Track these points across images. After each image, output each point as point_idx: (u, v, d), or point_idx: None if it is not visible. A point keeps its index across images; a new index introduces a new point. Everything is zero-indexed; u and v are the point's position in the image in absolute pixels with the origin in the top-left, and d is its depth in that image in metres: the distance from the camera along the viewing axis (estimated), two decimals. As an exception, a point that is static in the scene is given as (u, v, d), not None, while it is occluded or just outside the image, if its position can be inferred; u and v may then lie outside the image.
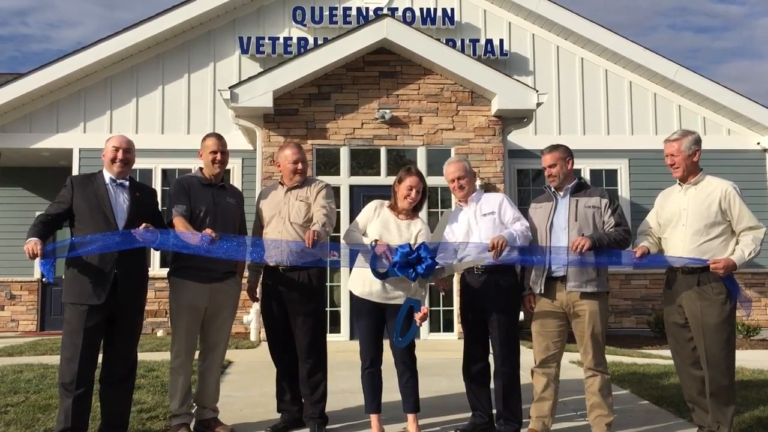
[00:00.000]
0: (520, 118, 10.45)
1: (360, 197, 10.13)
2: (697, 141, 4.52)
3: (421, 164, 10.20)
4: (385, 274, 4.49)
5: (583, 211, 4.58)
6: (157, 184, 11.95)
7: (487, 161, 10.24)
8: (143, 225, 4.29)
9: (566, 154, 4.71)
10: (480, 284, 4.67)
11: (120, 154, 4.46)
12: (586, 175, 12.61)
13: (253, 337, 10.00)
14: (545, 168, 4.73)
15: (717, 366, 4.32)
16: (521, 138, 12.06)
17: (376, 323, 4.68)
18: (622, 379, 6.56)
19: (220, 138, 4.86)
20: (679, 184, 4.59)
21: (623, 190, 12.57)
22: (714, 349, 4.32)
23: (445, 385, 5.95)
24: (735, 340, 4.43)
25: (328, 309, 9.09)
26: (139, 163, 11.94)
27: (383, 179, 10.13)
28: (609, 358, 4.73)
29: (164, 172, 12.04)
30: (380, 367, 4.70)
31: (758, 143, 12.72)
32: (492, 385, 4.75)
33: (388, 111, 10.15)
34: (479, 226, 4.70)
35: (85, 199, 4.33)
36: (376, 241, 4.56)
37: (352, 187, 10.16)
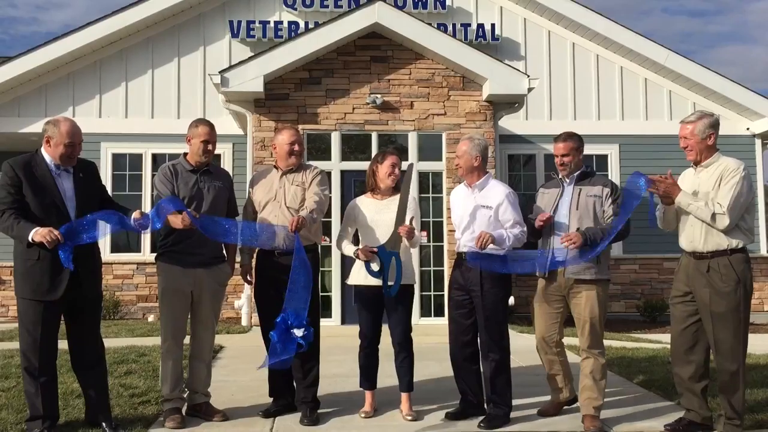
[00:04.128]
0: (511, 104, 10.44)
1: (351, 182, 10.13)
2: (713, 125, 4.35)
3: (413, 149, 10.21)
4: (380, 271, 4.64)
5: (584, 201, 4.63)
6: (147, 168, 11.91)
7: (478, 146, 10.22)
8: (137, 212, 4.28)
9: (580, 144, 4.77)
10: (469, 269, 4.69)
11: (74, 150, 4.27)
12: (577, 161, 12.61)
13: (244, 322, 10.01)
14: (557, 156, 4.75)
15: (725, 354, 4.26)
16: (512, 123, 12.05)
17: (375, 306, 4.80)
18: (611, 362, 6.57)
19: (212, 127, 4.82)
20: (693, 166, 4.49)
21: (614, 175, 12.59)
22: (721, 336, 4.25)
23: (436, 369, 5.99)
24: (746, 328, 4.31)
25: (319, 294, 9.13)
26: (129, 148, 12.10)
27: (374, 164, 10.11)
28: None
29: (154, 156, 11.97)
30: (378, 347, 4.86)
31: (748, 129, 12.77)
32: (481, 369, 4.78)
33: (379, 96, 10.12)
34: (475, 215, 4.72)
35: (31, 186, 4.16)
36: (358, 249, 4.74)
37: (343, 173, 10.14)
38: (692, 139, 4.36)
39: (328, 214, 9.63)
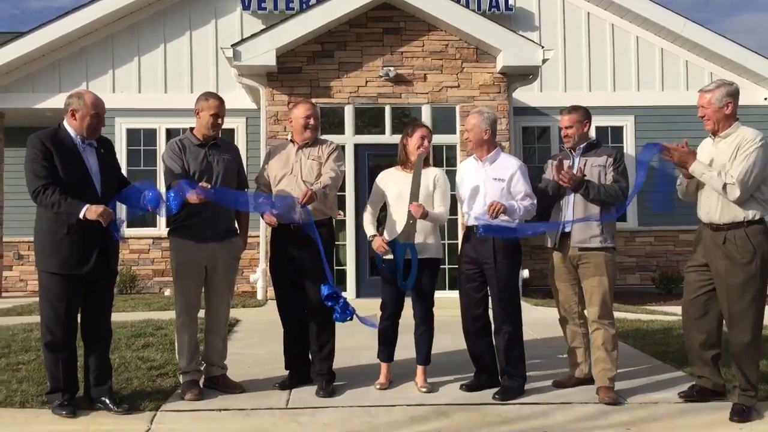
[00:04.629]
0: (525, 75, 10.35)
1: (365, 156, 10.12)
2: (732, 93, 4.29)
3: (426, 122, 10.13)
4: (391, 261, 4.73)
5: (590, 171, 4.69)
6: (161, 143, 11.91)
7: (492, 118, 10.16)
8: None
9: (584, 116, 4.78)
10: (480, 242, 4.70)
11: (99, 121, 4.34)
12: (592, 132, 12.50)
13: (260, 296, 10.09)
14: (562, 128, 4.81)
15: (738, 326, 4.25)
16: (527, 95, 11.95)
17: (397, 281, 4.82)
18: (626, 335, 6.62)
19: (222, 101, 4.81)
20: (711, 137, 4.43)
21: (629, 147, 12.49)
22: (736, 308, 4.23)
23: (449, 342, 5.98)
24: (763, 299, 4.28)
25: (334, 268, 9.17)
26: (144, 123, 12.11)
27: (388, 138, 10.08)
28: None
29: (168, 131, 11.98)
30: (398, 320, 4.90)
31: (765, 98, 12.59)
32: (494, 343, 4.80)
33: (392, 69, 10.05)
34: (486, 187, 4.71)
35: (60, 159, 4.19)
36: (374, 236, 4.79)
37: (356, 146, 10.12)
38: (709, 108, 4.30)
39: (342, 188, 9.64)
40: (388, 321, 4.85)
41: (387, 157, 9.48)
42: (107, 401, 4.32)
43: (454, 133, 10.21)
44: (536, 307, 8.82)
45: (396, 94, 10.17)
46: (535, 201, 4.71)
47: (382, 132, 10.23)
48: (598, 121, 12.50)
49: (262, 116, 10.31)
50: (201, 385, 4.73)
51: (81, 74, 12.05)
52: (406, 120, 10.03)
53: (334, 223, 5.15)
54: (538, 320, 6.83)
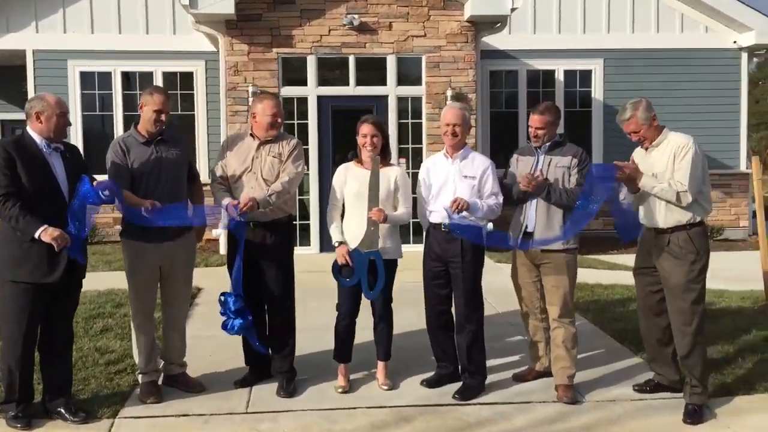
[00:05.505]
0: (493, 23, 10.08)
1: (328, 108, 9.89)
2: (648, 106, 4.40)
3: (391, 73, 9.91)
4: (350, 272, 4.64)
5: (553, 171, 4.63)
6: (117, 87, 11.51)
7: (459, 70, 9.94)
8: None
9: (556, 117, 4.70)
10: (447, 241, 4.64)
11: (66, 120, 4.20)
12: (560, 77, 12.37)
13: (222, 251, 9.96)
14: (532, 127, 4.69)
15: (684, 325, 4.35)
16: (494, 38, 11.59)
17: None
18: (586, 308, 6.70)
19: (167, 97, 4.58)
20: (642, 146, 4.51)
21: (597, 91, 12.38)
22: (682, 307, 4.34)
23: (412, 319, 5.92)
24: (703, 300, 4.43)
25: (297, 222, 9.07)
26: (98, 66, 11.61)
27: (352, 89, 9.85)
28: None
29: (125, 75, 11.56)
30: (355, 320, 4.82)
31: (735, 42, 12.46)
32: (456, 340, 4.80)
33: (356, 16, 9.69)
34: (456, 185, 4.62)
35: (24, 166, 4.00)
36: (340, 243, 4.66)
37: (319, 98, 9.87)
38: (642, 129, 4.39)
39: (306, 140, 9.43)
40: (345, 321, 4.76)
41: (351, 111, 9.30)
42: (63, 411, 4.25)
43: (420, 84, 9.97)
44: (498, 264, 8.84)
45: (360, 43, 9.84)
46: (501, 200, 4.64)
47: (346, 83, 9.96)
48: (567, 64, 12.40)
49: (221, 67, 9.94)
50: (160, 384, 4.68)
51: (30, 13, 11.45)
52: (371, 70, 9.76)
53: (296, 220, 5.01)
54: (500, 286, 6.78)
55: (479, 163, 4.68)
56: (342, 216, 4.79)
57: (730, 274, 8.32)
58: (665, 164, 4.33)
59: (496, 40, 11.75)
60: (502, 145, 12.27)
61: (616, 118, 4.56)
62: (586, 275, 8.03)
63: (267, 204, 4.53)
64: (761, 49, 12.67)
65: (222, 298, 4.60)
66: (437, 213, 4.68)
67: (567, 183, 4.59)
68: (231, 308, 4.54)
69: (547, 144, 4.68)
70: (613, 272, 8.75)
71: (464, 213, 4.48)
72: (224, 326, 4.59)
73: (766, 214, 7.07)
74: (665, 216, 4.36)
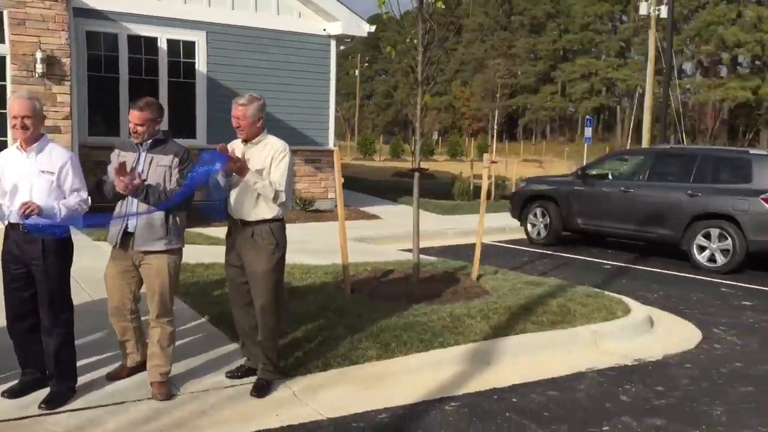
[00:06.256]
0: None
1: None
2: (263, 107, 4.73)
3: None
4: None
5: (155, 170, 4.59)
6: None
7: (50, 31, 9.12)
8: None
9: (157, 114, 4.60)
10: (26, 242, 4.32)
11: None
12: (163, 45, 12.14)
13: None
14: (131, 123, 4.55)
15: (265, 311, 4.74)
16: (91, -3, 10.96)
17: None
18: (186, 290, 6.78)
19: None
20: (241, 139, 4.81)
21: (201, 64, 12.44)
22: (262, 294, 4.72)
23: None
24: (282, 286, 4.90)
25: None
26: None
27: None
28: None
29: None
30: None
31: (324, 29, 13.57)
32: (44, 344, 4.51)
33: None
34: (32, 181, 4.26)
35: None
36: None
37: None
38: (245, 121, 4.68)
39: None
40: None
41: None
42: None
43: (4, 42, 8.91)
44: (97, 243, 8.44)
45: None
46: (86, 197, 4.41)
47: None
48: (169, 33, 12.18)
49: None
50: None
51: None
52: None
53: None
54: (98, 272, 6.32)
55: (57, 156, 4.37)
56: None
57: (318, 246, 9.15)
58: (262, 163, 4.68)
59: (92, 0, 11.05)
60: (101, 110, 11.71)
61: (233, 100, 4.75)
62: (188, 253, 7.99)
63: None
64: (347, 38, 13.99)
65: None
66: (12, 212, 4.30)
67: (168, 183, 4.55)
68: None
69: (149, 141, 4.60)
70: (215, 248, 8.96)
71: (36, 218, 4.18)
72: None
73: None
74: (253, 211, 4.70)
